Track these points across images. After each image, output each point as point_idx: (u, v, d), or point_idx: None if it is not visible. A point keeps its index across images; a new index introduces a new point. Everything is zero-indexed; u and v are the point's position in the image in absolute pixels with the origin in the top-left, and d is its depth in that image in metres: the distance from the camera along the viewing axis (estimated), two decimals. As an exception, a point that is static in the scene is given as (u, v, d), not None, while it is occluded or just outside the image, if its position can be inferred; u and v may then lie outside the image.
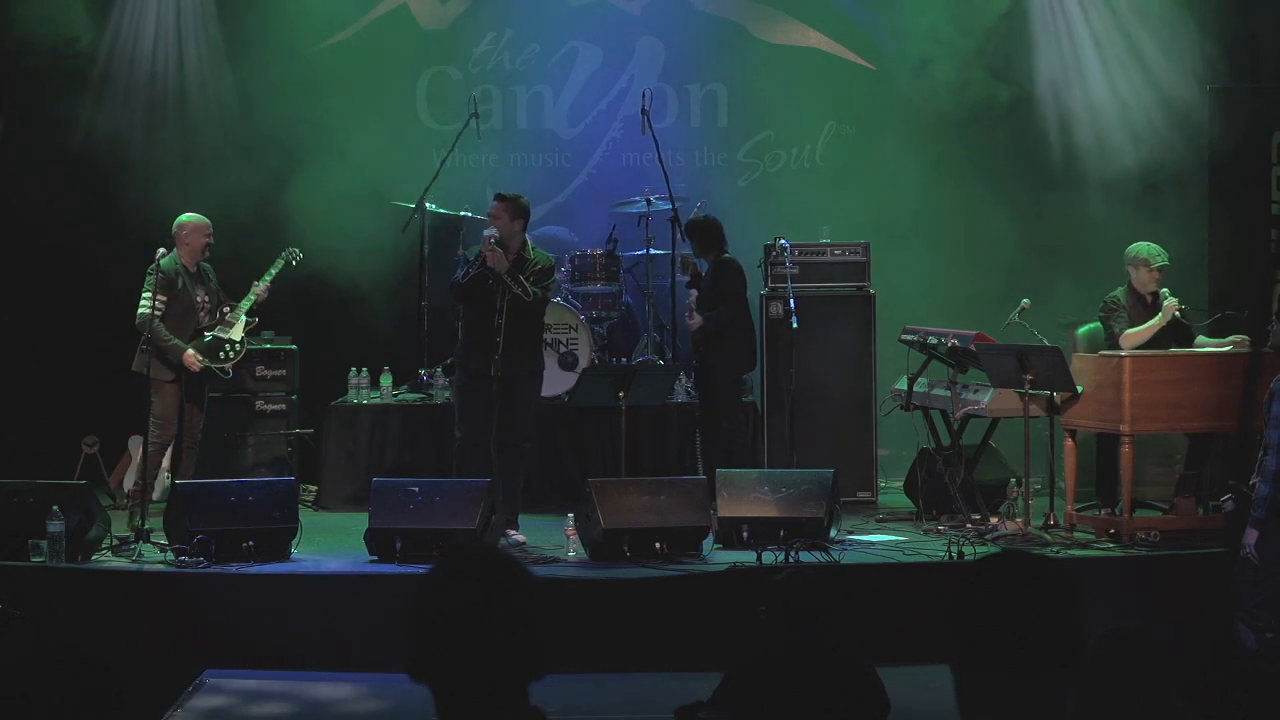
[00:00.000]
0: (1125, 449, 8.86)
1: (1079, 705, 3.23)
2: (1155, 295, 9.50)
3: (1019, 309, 9.53)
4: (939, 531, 9.24)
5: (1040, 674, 2.52)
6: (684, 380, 10.58)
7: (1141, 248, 9.52)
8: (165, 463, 9.81)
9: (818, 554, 8.43)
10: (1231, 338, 9.29)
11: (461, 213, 11.18)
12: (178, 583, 8.20)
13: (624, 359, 11.12)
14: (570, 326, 10.76)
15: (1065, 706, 2.55)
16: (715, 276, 10.11)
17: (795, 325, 9.92)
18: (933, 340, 9.73)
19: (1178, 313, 9.45)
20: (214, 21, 11.97)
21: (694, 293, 10.18)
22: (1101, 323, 9.58)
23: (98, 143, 11.62)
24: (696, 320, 10.05)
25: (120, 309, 10.38)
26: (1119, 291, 9.57)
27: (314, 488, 10.71)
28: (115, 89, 11.78)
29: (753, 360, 10.37)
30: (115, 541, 8.67)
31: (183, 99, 11.91)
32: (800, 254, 10.53)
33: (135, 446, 10.34)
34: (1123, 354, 8.98)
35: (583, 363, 10.59)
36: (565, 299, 10.87)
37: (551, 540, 9.01)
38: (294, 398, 10.88)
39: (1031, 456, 9.24)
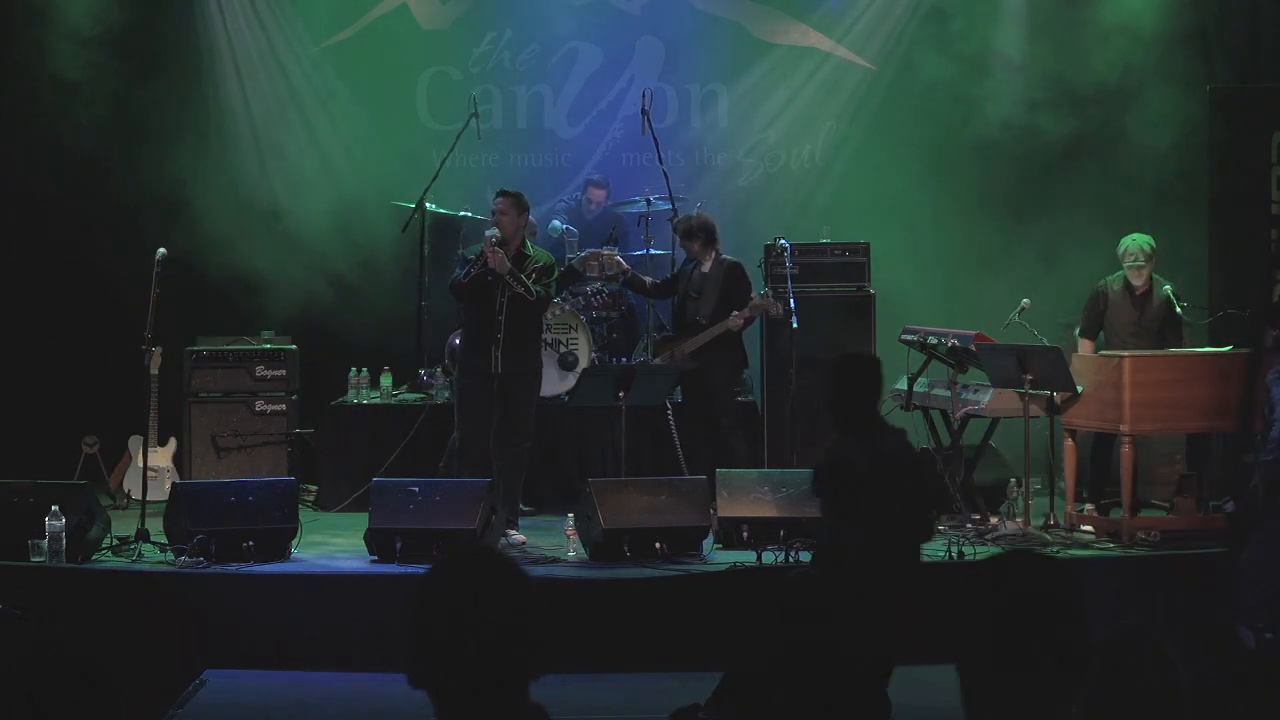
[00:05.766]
0: (1125, 449, 8.86)
1: (1080, 706, 3.22)
2: (1149, 290, 9.53)
3: (1019, 309, 9.54)
4: (939, 531, 9.23)
5: (1049, 675, 2.51)
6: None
7: (1121, 241, 9.59)
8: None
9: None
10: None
11: (461, 213, 11.16)
12: (178, 583, 8.20)
13: (624, 359, 11.11)
14: (570, 326, 10.74)
15: (1072, 707, 2.54)
16: (729, 277, 10.05)
17: (795, 325, 9.92)
18: (933, 340, 9.73)
19: (1179, 309, 9.48)
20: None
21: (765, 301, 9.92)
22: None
23: (96, 142, 11.60)
24: (740, 320, 9.93)
25: (121, 308, 10.38)
26: (1111, 278, 9.62)
27: (314, 488, 10.71)
28: (113, 88, 11.76)
29: (745, 359, 10.37)
30: (115, 541, 8.68)
31: (182, 99, 11.89)
32: (800, 254, 10.51)
33: (135, 446, 10.32)
34: (1123, 354, 8.98)
35: (583, 363, 10.58)
36: (565, 299, 10.86)
37: (551, 540, 9.01)
38: (294, 398, 10.87)
39: (1031, 456, 9.24)
